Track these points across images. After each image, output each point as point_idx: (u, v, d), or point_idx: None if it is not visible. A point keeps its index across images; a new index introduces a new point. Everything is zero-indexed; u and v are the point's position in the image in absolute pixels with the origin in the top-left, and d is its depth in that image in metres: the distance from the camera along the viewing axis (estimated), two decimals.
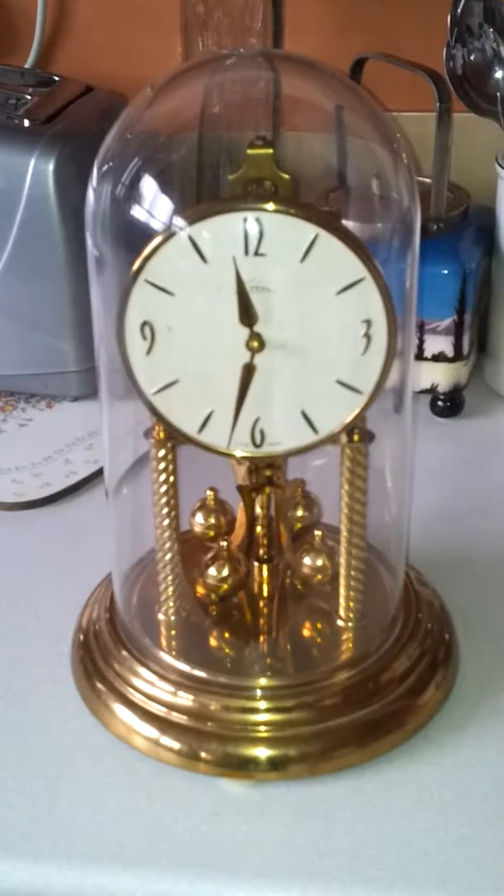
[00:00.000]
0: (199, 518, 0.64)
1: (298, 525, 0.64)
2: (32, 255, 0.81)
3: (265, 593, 0.63)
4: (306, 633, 0.61)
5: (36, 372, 0.85)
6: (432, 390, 0.84)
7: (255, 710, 0.57)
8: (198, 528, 0.64)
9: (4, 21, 0.96)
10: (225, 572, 0.61)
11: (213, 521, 0.64)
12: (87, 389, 0.84)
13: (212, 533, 0.64)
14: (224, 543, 0.62)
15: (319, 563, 0.61)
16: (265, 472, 0.59)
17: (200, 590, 0.62)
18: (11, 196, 0.80)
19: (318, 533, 0.62)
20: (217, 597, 0.62)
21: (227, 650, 0.60)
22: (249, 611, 0.62)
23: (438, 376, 0.83)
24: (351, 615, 0.61)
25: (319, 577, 0.62)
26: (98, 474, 0.77)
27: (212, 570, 0.61)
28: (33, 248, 0.81)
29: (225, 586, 0.61)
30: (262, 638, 0.61)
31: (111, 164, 0.55)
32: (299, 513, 0.64)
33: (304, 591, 0.63)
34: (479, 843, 0.53)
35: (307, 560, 0.62)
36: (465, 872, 0.52)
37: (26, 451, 0.81)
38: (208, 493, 0.64)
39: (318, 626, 0.61)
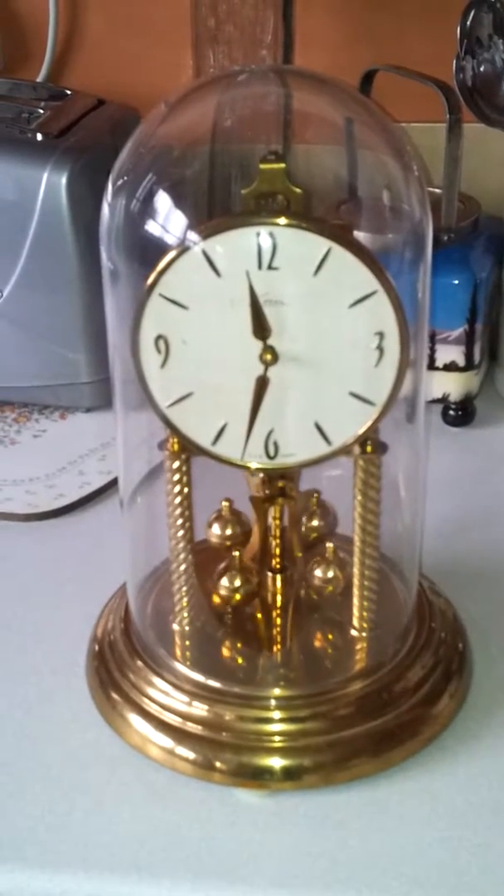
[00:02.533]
0: (216, 528, 0.65)
1: (314, 535, 0.65)
2: (45, 267, 0.82)
3: (279, 604, 0.63)
4: (320, 643, 0.62)
5: (49, 383, 0.86)
6: (444, 400, 0.84)
7: (269, 721, 0.57)
8: (214, 539, 0.65)
9: (17, 35, 0.97)
10: (237, 582, 0.62)
11: (229, 531, 0.64)
12: (100, 400, 0.85)
13: (228, 543, 0.64)
14: (236, 554, 0.62)
15: (331, 574, 0.62)
16: (278, 483, 0.60)
17: (215, 599, 0.63)
18: (25, 209, 0.80)
19: (329, 545, 0.62)
20: (231, 607, 0.62)
21: (241, 660, 0.61)
22: (264, 621, 0.62)
23: (450, 386, 0.83)
24: (365, 625, 0.61)
25: (330, 588, 0.62)
26: (112, 485, 0.77)
27: (224, 581, 0.62)
28: (46, 261, 0.81)
29: (238, 596, 0.62)
30: (276, 648, 0.61)
31: (125, 178, 0.56)
32: (314, 522, 0.65)
33: (318, 602, 0.63)
34: (494, 852, 0.53)
35: (318, 572, 0.62)
36: (479, 882, 0.52)
37: (40, 463, 0.82)
38: (223, 503, 0.64)
39: (332, 636, 0.62)
